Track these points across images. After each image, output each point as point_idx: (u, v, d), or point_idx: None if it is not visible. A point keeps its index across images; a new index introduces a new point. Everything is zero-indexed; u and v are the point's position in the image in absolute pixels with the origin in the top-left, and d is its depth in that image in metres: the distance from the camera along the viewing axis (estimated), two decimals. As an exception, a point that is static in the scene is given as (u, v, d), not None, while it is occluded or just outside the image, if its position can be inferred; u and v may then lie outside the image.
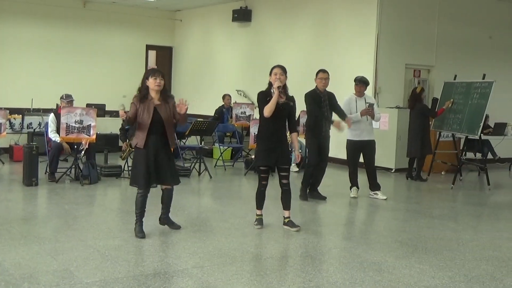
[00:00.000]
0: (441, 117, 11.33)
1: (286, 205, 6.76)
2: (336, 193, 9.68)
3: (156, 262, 5.34)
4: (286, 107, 6.59)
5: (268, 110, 6.47)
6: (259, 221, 6.78)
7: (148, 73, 6.13)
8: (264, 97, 6.61)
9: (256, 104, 7.13)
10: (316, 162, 8.56)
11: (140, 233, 6.13)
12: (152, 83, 6.05)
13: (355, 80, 9.04)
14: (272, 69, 6.66)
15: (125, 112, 6.19)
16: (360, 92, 8.95)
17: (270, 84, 6.64)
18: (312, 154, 8.61)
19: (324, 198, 8.70)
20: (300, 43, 14.09)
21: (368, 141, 8.88)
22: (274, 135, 6.59)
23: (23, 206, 7.93)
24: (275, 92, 6.48)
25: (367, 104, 8.86)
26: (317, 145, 8.50)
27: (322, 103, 8.34)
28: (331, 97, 8.48)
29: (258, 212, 6.82)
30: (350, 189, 9.11)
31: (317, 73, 8.43)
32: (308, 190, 8.74)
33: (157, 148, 6.10)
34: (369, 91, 11.66)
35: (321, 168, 8.73)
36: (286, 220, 6.77)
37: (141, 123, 6.04)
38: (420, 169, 11.05)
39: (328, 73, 8.40)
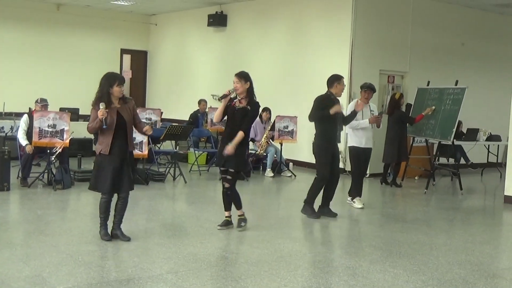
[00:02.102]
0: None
1: (226, 206, 6.95)
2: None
3: (130, 268, 5.29)
4: (242, 112, 6.68)
5: (215, 116, 6.85)
6: (224, 222, 6.93)
7: (113, 81, 5.95)
8: (227, 102, 6.74)
9: None
10: (328, 175, 7.78)
11: (106, 236, 6.10)
12: (117, 91, 5.96)
13: (362, 87, 8.89)
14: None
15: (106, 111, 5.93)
16: (367, 99, 8.82)
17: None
18: (323, 165, 7.80)
19: (335, 215, 7.89)
20: (275, 48, 14.12)
21: (369, 149, 8.78)
22: (227, 138, 6.71)
23: (-5, 211, 7.81)
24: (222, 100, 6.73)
25: (378, 112, 8.93)
26: (329, 154, 7.80)
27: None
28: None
29: (226, 213, 6.96)
30: (353, 200, 8.75)
31: (340, 79, 7.88)
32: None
33: (122, 153, 6.04)
34: (343, 97, 11.77)
35: (335, 181, 7.99)
36: (229, 219, 6.97)
37: (103, 131, 5.96)
38: (396, 175, 11.14)
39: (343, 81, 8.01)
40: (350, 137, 8.78)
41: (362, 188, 8.83)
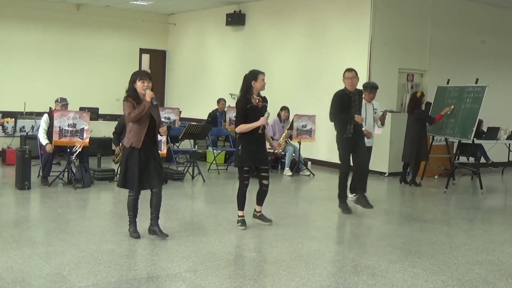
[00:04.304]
0: (434, 121, 11.35)
1: (261, 201, 7.09)
2: (330, 196, 9.68)
3: (149, 266, 5.32)
4: (263, 110, 6.85)
5: (243, 129, 6.79)
6: (243, 222, 6.93)
7: (136, 76, 6.02)
8: (245, 105, 6.79)
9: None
10: (347, 168, 7.98)
11: (135, 233, 6.13)
12: (139, 86, 6.00)
13: (367, 88, 8.93)
14: (259, 74, 6.80)
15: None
16: (372, 98, 8.97)
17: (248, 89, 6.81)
18: (342, 160, 8.03)
19: (370, 207, 7.98)
20: (293, 47, 14.10)
21: (369, 147, 8.85)
22: (257, 138, 6.81)
23: (16, 210, 7.89)
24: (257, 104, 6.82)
25: (382, 111, 9.11)
26: (348, 148, 7.94)
27: (352, 103, 7.92)
28: (360, 95, 8.14)
29: (240, 213, 6.96)
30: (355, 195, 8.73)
31: (344, 73, 8.06)
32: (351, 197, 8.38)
33: (150, 150, 6.08)
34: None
35: (361, 172, 8.14)
36: (258, 214, 7.10)
37: (139, 123, 5.97)
38: (416, 174, 11.05)
39: (354, 71, 8.01)
40: None
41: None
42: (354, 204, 8.23)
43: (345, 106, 7.91)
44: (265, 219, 7.08)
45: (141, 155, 6.01)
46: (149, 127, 6.03)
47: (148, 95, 5.93)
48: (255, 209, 7.13)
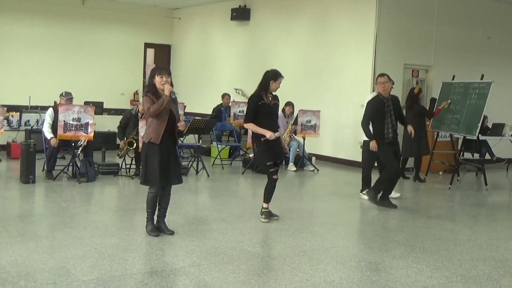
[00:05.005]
0: (439, 117, 11.33)
1: (269, 198, 7.06)
2: (334, 192, 9.69)
3: (153, 261, 5.33)
4: (275, 108, 7.00)
5: (253, 129, 6.94)
6: (266, 214, 7.02)
7: (155, 71, 6.02)
8: (257, 101, 6.83)
9: None
10: (396, 165, 8.20)
11: (153, 232, 6.10)
12: (158, 81, 5.98)
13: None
14: (279, 77, 6.88)
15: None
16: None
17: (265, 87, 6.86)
18: (387, 159, 8.20)
19: (394, 207, 8.22)
20: (298, 42, 14.08)
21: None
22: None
23: (20, 203, 7.92)
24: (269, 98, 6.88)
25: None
26: (387, 149, 8.11)
27: (385, 108, 8.02)
28: (395, 101, 8.24)
29: (265, 205, 7.04)
30: (362, 192, 8.91)
31: (376, 78, 8.12)
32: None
33: (170, 145, 6.08)
34: (367, 91, 11.72)
35: (398, 172, 8.47)
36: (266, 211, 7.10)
37: (158, 118, 5.96)
38: (418, 169, 11.03)
39: (387, 76, 8.04)
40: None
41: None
42: (361, 201, 8.24)
43: (379, 113, 8.01)
44: (273, 215, 7.11)
45: (161, 151, 5.98)
46: (168, 122, 6.01)
47: (167, 89, 5.91)
48: (262, 206, 7.10)
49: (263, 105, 6.80)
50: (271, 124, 6.87)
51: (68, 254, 5.36)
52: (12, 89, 15.81)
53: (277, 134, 6.84)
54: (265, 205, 7.03)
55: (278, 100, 7.05)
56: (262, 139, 6.82)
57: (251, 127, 6.92)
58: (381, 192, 8.36)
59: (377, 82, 8.13)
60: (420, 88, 11.29)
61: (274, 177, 6.90)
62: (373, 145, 8.02)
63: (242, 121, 12.32)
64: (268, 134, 6.76)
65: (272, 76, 6.85)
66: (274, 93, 6.98)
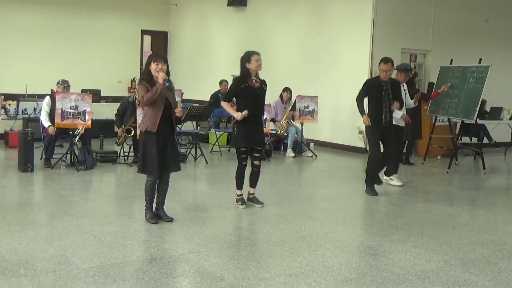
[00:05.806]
0: (437, 101, 11.32)
1: (254, 183, 7.09)
2: (332, 177, 9.70)
3: (153, 248, 5.34)
4: (261, 92, 6.89)
5: (226, 108, 6.95)
6: (242, 200, 7.04)
7: (151, 58, 5.99)
8: (238, 83, 6.85)
9: None
10: (377, 155, 8.10)
11: (152, 219, 6.10)
12: (153, 68, 5.94)
13: (403, 70, 9.31)
14: (252, 55, 6.80)
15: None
16: (404, 81, 9.26)
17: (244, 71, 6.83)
18: (372, 146, 8.17)
19: (380, 183, 8.54)
20: (295, 28, 14.03)
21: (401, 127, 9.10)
22: (252, 118, 6.82)
23: (19, 192, 7.92)
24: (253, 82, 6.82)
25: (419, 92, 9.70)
26: (378, 135, 8.05)
27: (384, 92, 7.93)
28: (394, 84, 8.15)
29: (239, 192, 7.06)
30: (390, 178, 8.93)
31: (379, 63, 8.04)
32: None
33: (167, 133, 6.05)
34: (364, 76, 11.68)
35: (389, 157, 8.35)
36: (251, 196, 7.11)
37: (154, 107, 5.92)
38: (409, 152, 11.08)
39: (391, 63, 7.96)
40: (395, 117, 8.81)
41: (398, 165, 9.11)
42: (358, 186, 8.25)
43: (376, 94, 7.96)
44: (256, 202, 7.09)
45: (158, 139, 5.95)
46: (165, 110, 5.96)
47: (161, 77, 5.85)
48: (248, 192, 7.14)
49: (246, 87, 6.77)
50: (253, 107, 6.79)
51: (68, 242, 5.37)
52: (9, 77, 15.75)
53: (244, 113, 6.74)
54: (238, 192, 7.06)
55: (266, 85, 6.96)
56: (233, 120, 6.87)
57: (225, 106, 6.95)
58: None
59: (380, 68, 7.98)
60: (416, 71, 11.28)
61: (244, 163, 6.90)
62: (364, 119, 7.96)
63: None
64: (235, 114, 6.78)
65: (245, 59, 6.81)
66: (262, 78, 6.92)
